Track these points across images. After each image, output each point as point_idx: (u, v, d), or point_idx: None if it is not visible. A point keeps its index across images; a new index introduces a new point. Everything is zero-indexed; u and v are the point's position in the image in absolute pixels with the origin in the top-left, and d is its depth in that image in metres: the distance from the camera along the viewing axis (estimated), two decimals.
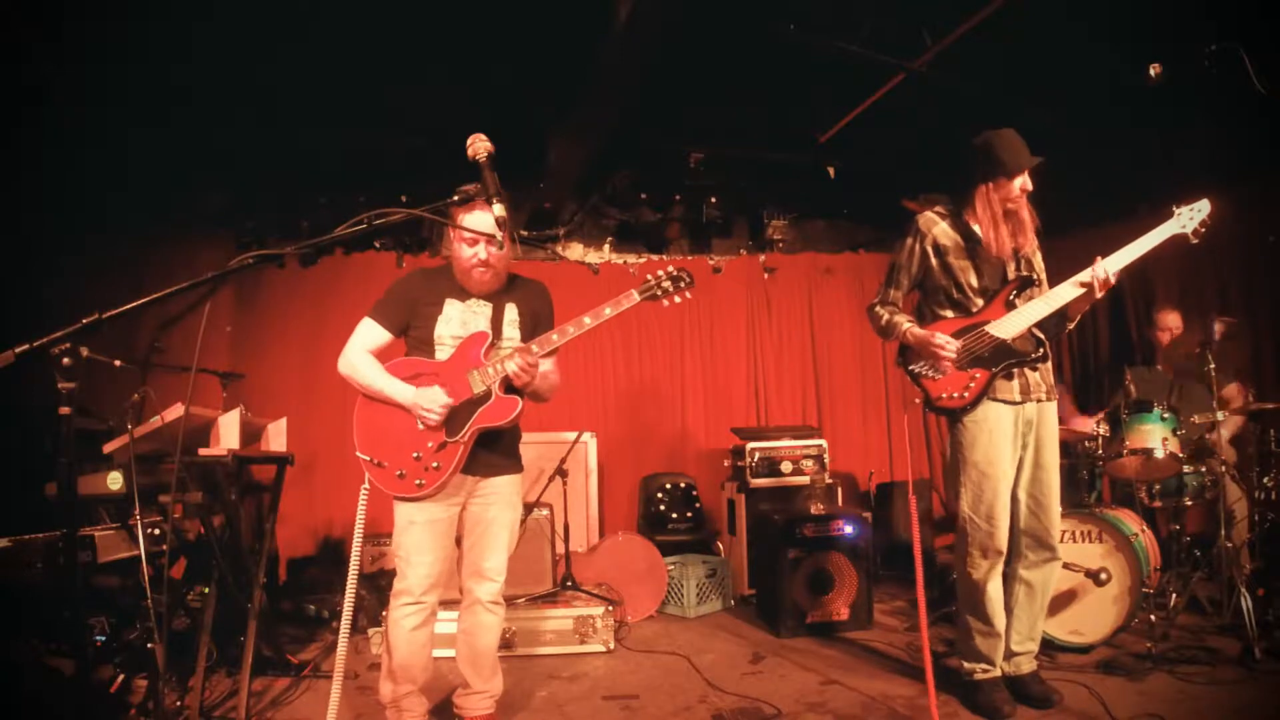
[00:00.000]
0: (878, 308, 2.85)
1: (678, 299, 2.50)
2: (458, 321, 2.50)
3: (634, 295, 2.44)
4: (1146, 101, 3.87)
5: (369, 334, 2.52)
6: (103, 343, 1.76)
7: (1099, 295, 2.60)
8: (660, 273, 2.48)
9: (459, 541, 2.56)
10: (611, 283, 5.60)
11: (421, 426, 2.40)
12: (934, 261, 2.77)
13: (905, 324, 2.75)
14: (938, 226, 2.78)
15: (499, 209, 1.90)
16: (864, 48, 3.71)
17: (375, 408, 2.46)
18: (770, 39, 3.67)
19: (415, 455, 2.39)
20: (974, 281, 2.72)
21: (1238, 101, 3.60)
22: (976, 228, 2.72)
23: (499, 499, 2.54)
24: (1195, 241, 2.62)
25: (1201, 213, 2.60)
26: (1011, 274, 2.72)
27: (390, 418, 2.43)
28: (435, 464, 2.39)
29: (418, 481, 2.38)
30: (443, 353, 2.48)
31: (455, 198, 2.05)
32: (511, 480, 2.59)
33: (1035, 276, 2.74)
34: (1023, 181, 2.66)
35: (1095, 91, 4.05)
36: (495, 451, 2.52)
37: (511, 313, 2.57)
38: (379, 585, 3.86)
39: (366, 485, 2.46)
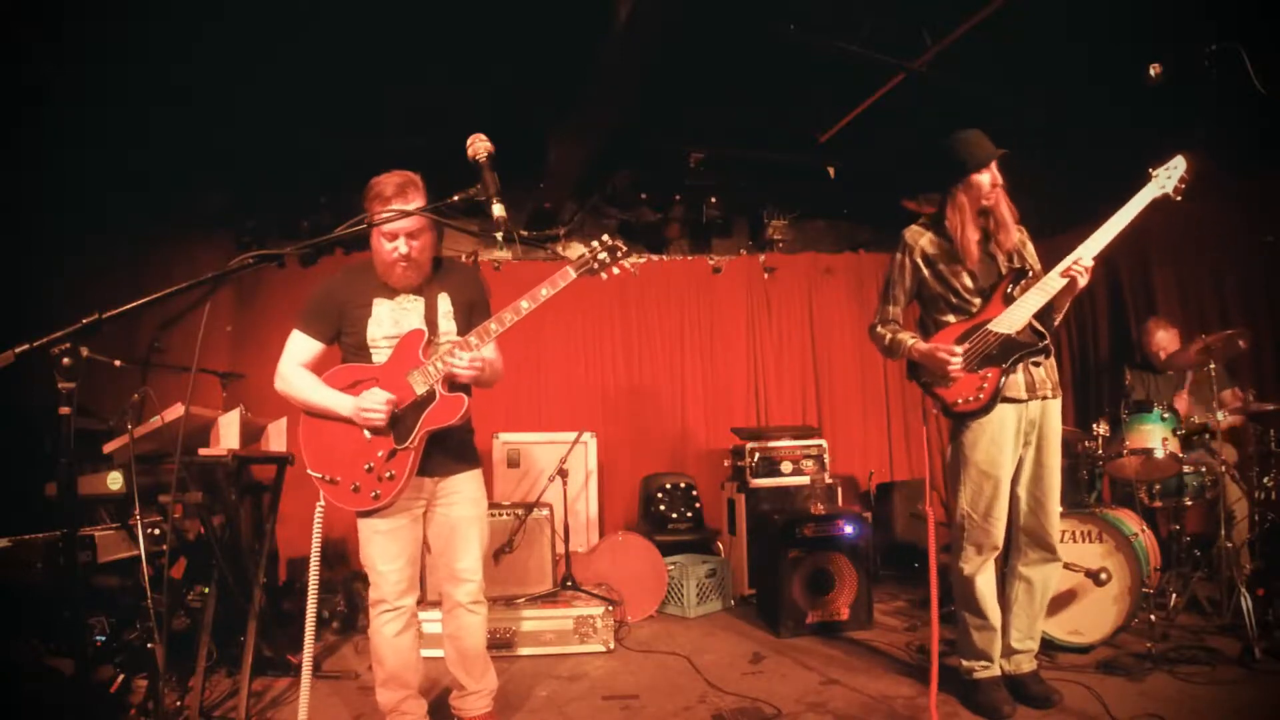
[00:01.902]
0: (879, 328, 2.85)
1: (616, 270, 2.38)
2: (389, 321, 2.40)
3: (570, 272, 2.33)
4: (1146, 101, 3.87)
5: (300, 347, 2.41)
6: (103, 343, 1.76)
7: (1083, 283, 2.58)
8: (595, 244, 2.37)
9: (427, 545, 2.51)
10: (611, 282, 5.56)
11: (368, 435, 2.32)
12: (926, 272, 2.79)
13: (909, 341, 2.74)
14: (924, 237, 2.80)
15: (499, 209, 1.89)
16: (864, 48, 3.71)
17: (319, 423, 2.36)
18: (770, 39, 3.67)
19: (367, 467, 2.30)
20: (968, 283, 2.73)
21: (1238, 101, 3.60)
22: (951, 238, 2.72)
23: (461, 498, 2.47)
24: (1178, 199, 2.59)
25: (1179, 169, 2.59)
26: (1004, 269, 2.72)
27: (336, 431, 2.33)
28: (389, 473, 2.30)
29: (374, 494, 2.30)
30: (379, 355, 2.38)
31: (455, 199, 2.05)
32: (471, 476, 2.52)
33: (1028, 267, 2.73)
34: (991, 176, 2.66)
35: (1095, 91, 4.05)
36: (448, 451, 2.44)
37: (445, 304, 2.46)
38: None
39: (321, 504, 2.36)
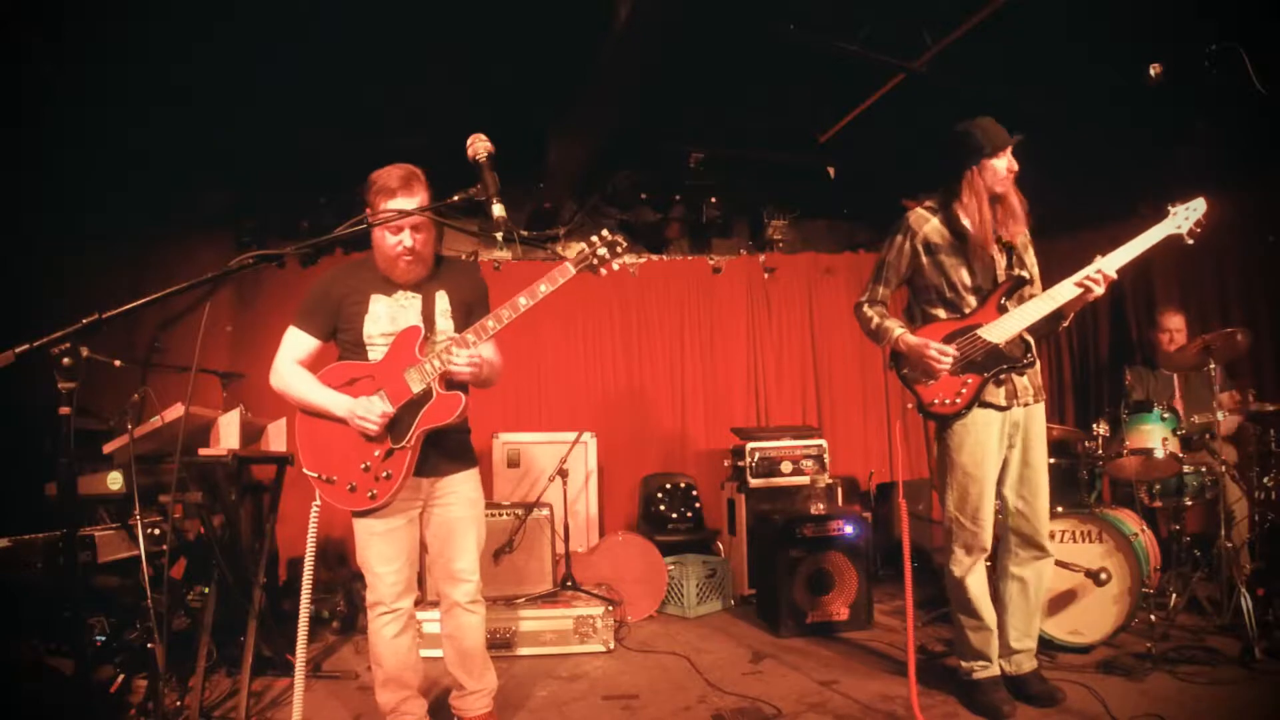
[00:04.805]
0: (866, 308, 2.81)
1: (615, 265, 2.36)
2: (386, 318, 2.37)
3: (569, 268, 2.32)
4: (1146, 101, 3.87)
5: (296, 343, 2.39)
6: (103, 343, 1.76)
7: (1101, 293, 2.57)
8: (594, 239, 2.35)
9: (425, 545, 2.50)
10: (611, 282, 5.59)
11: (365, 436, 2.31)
12: (925, 259, 2.73)
13: (897, 330, 2.70)
14: (929, 224, 2.73)
15: (499, 209, 1.89)
16: (864, 48, 3.71)
17: (316, 421, 2.34)
18: (770, 39, 3.67)
19: (364, 466, 2.28)
20: (966, 280, 2.69)
21: (1238, 101, 3.60)
22: (966, 221, 2.67)
23: (458, 498, 2.46)
24: (1190, 242, 2.60)
25: (1197, 212, 2.58)
26: (1003, 274, 2.69)
27: (332, 429, 2.31)
28: (386, 473, 2.28)
29: (370, 494, 2.28)
30: (375, 353, 2.36)
31: (455, 198, 2.05)
32: (468, 476, 2.50)
33: (1028, 276, 2.70)
34: (1008, 161, 2.64)
35: (1095, 91, 4.05)
36: (445, 450, 2.42)
37: (443, 302, 2.44)
38: None
39: (318, 503, 2.34)
